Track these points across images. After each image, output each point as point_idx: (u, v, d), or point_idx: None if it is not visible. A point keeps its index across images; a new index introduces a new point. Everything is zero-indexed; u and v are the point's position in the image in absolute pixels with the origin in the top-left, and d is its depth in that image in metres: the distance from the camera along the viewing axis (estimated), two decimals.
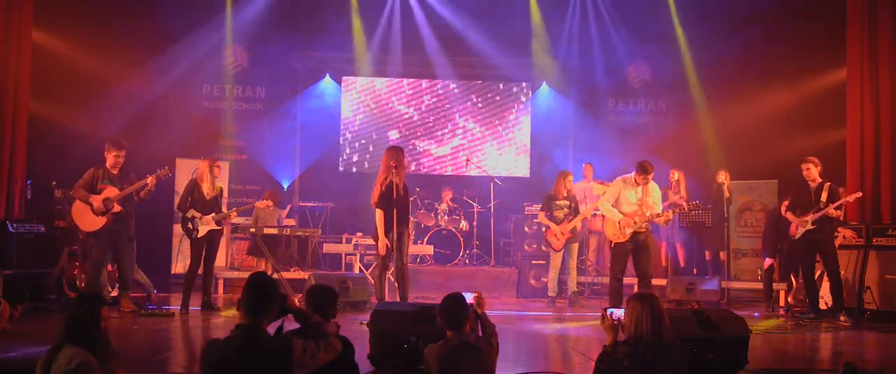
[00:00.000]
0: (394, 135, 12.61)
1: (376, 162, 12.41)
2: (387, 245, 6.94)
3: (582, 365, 5.10)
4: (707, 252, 9.92)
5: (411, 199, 10.71)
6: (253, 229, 9.06)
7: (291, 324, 3.42)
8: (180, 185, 9.13)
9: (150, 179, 7.19)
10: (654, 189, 7.34)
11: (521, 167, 12.69)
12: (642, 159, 7.38)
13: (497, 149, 12.72)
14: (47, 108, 9.72)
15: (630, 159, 11.40)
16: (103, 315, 3.24)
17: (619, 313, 3.66)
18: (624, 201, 7.31)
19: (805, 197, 7.67)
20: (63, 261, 7.89)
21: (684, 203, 7.91)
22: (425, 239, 10.43)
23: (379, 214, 7.01)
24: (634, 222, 7.19)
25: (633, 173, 7.33)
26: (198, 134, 11.36)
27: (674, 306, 8.11)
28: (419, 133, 12.68)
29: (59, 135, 9.89)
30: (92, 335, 3.17)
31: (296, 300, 3.50)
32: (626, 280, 7.60)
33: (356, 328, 5.92)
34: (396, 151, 7.20)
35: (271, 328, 3.22)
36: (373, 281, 8.63)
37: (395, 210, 6.93)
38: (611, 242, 7.49)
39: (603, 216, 9.84)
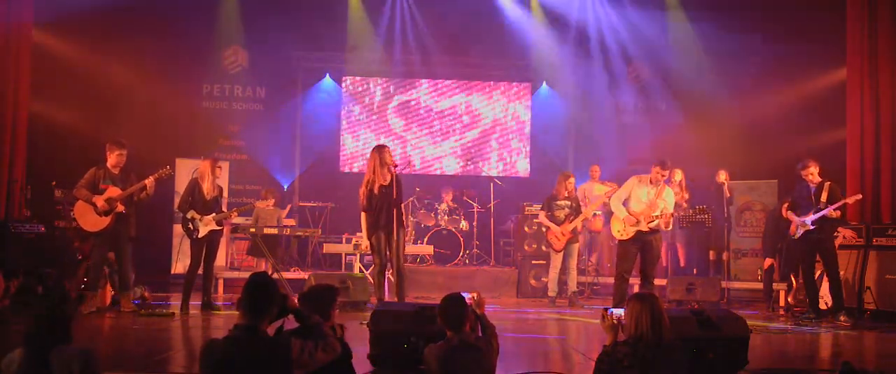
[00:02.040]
0: (394, 135, 12.60)
1: None
2: (368, 247, 7.07)
3: (582, 365, 5.10)
4: (711, 252, 9.91)
5: (410, 199, 10.74)
6: (253, 229, 9.06)
7: (292, 324, 3.42)
8: (180, 185, 9.13)
9: (148, 181, 7.17)
10: (668, 193, 7.33)
11: (521, 167, 12.69)
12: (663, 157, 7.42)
13: (497, 149, 12.73)
14: (47, 108, 9.72)
15: (630, 159, 11.46)
16: (76, 311, 3.38)
17: (619, 312, 3.66)
18: (634, 200, 7.33)
19: (805, 197, 7.66)
20: (80, 272, 7.83)
21: (690, 210, 7.90)
22: (425, 239, 10.42)
23: (363, 217, 7.10)
24: (637, 222, 7.19)
25: (650, 173, 7.36)
26: (198, 134, 11.37)
27: (674, 306, 8.11)
28: (419, 133, 12.67)
29: (59, 135, 9.90)
30: (70, 331, 3.21)
31: (295, 300, 3.49)
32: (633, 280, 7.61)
33: (356, 328, 5.92)
34: (377, 150, 7.23)
35: (271, 329, 3.22)
36: (372, 281, 8.65)
37: (381, 211, 7.03)
38: (616, 239, 7.49)
39: (605, 216, 9.89)
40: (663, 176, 7.30)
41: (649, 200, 7.27)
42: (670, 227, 7.40)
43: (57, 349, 3.08)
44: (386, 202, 7.04)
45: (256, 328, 3.07)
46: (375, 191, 7.06)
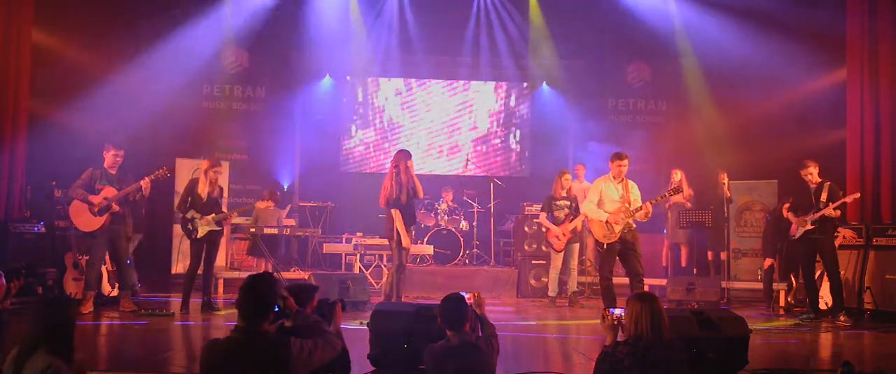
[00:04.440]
0: (394, 134, 12.60)
1: (376, 162, 12.42)
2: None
3: (582, 365, 5.10)
4: (709, 252, 9.92)
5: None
6: (253, 229, 9.06)
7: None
8: (180, 185, 9.13)
9: (144, 182, 7.16)
10: (633, 187, 7.19)
11: (521, 167, 12.69)
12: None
13: (497, 149, 12.73)
14: (47, 108, 9.71)
15: (630, 159, 11.43)
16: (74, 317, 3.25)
17: (619, 312, 3.66)
18: (607, 200, 7.14)
19: (805, 198, 7.67)
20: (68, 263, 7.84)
21: (666, 193, 7.73)
22: (425, 239, 10.42)
23: (397, 214, 7.08)
24: (621, 219, 7.07)
25: (610, 169, 7.25)
26: (198, 134, 11.36)
27: (674, 306, 8.11)
28: (419, 133, 12.67)
29: (59, 135, 9.88)
30: (67, 341, 3.12)
31: (295, 301, 3.48)
32: (622, 280, 7.54)
33: (356, 328, 5.92)
34: (410, 155, 7.31)
35: (271, 329, 3.21)
36: (373, 282, 8.66)
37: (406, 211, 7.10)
38: (601, 244, 7.17)
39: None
40: (622, 166, 7.16)
41: (620, 195, 7.14)
42: (650, 217, 7.26)
43: (42, 354, 3.01)
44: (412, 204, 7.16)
45: (256, 329, 3.06)
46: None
